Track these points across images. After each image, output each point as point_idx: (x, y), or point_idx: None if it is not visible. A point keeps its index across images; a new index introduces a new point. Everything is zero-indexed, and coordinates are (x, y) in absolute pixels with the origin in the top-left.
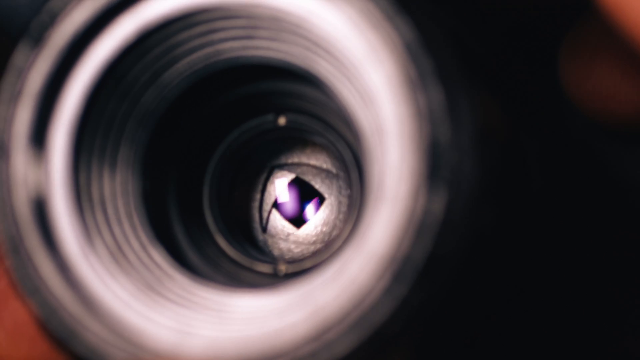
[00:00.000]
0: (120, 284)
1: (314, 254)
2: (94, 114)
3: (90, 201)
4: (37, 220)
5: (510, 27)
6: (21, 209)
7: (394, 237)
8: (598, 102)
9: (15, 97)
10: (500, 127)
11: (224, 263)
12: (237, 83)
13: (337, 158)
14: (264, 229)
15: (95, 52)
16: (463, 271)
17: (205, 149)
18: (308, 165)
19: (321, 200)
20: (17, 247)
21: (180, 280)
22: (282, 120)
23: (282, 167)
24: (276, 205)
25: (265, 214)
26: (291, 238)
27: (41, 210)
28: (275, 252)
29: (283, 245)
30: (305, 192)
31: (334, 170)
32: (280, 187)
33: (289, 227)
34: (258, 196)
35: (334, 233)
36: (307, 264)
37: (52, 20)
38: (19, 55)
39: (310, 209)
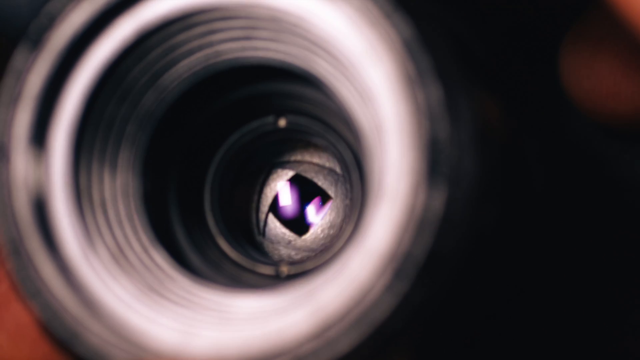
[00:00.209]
0: (121, 286)
1: (316, 255)
2: (94, 116)
3: (91, 203)
4: (38, 223)
5: (510, 27)
6: (22, 211)
7: (394, 234)
8: (598, 101)
9: (14, 100)
10: (501, 124)
11: (226, 265)
12: (237, 84)
13: (338, 159)
14: (262, 233)
15: (94, 54)
16: (464, 269)
17: (206, 151)
18: (311, 163)
19: (325, 199)
20: (18, 249)
21: (181, 282)
22: (282, 122)
23: (284, 167)
24: (278, 208)
25: (265, 216)
26: (297, 243)
27: (42, 212)
28: (276, 256)
29: (284, 251)
30: (309, 192)
31: (337, 169)
32: (282, 190)
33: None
34: (259, 198)
35: (335, 233)
36: (309, 265)
37: (51, 22)
38: (18, 58)
39: (315, 210)
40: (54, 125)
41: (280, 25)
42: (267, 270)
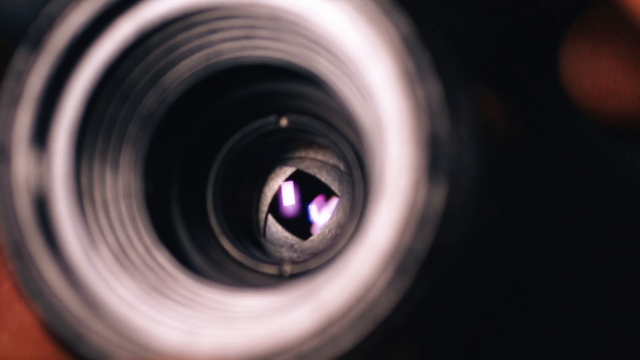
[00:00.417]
0: (124, 286)
1: (319, 253)
2: (95, 117)
3: (93, 203)
4: (40, 224)
5: (510, 27)
6: (23, 213)
7: (396, 230)
8: (598, 100)
9: (15, 101)
10: (501, 119)
11: (229, 265)
12: (238, 84)
13: (340, 158)
14: (264, 234)
15: (95, 55)
16: (466, 264)
17: (209, 151)
18: (315, 159)
19: (331, 198)
20: (20, 250)
21: (184, 282)
22: (284, 122)
23: (287, 167)
24: (280, 210)
25: (265, 216)
26: (304, 245)
27: (43, 213)
28: (279, 257)
29: (286, 254)
30: (312, 191)
31: (340, 166)
32: (285, 189)
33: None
34: (261, 198)
35: (337, 232)
36: (313, 264)
37: (50, 23)
38: (18, 59)
39: (320, 210)
40: (55, 126)
41: (280, 23)
42: (270, 269)
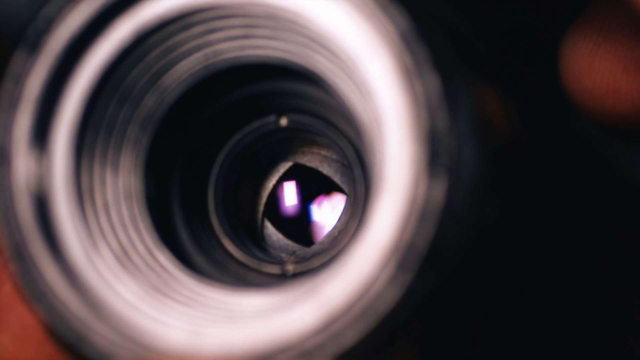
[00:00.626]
0: (126, 287)
1: (321, 252)
2: (95, 118)
3: (94, 205)
4: (41, 226)
5: (510, 27)
6: (24, 215)
7: (397, 225)
8: (597, 99)
9: (14, 103)
10: (501, 118)
11: (231, 265)
12: (237, 84)
13: (341, 156)
14: (262, 237)
15: (93, 56)
16: (467, 259)
17: (209, 152)
18: (319, 154)
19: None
20: (21, 252)
21: (186, 282)
22: (284, 121)
23: (288, 166)
24: (281, 213)
25: (262, 216)
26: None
27: (44, 215)
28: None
29: (283, 256)
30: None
31: (344, 162)
32: (286, 189)
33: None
34: (263, 197)
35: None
36: (315, 263)
37: (48, 25)
38: (17, 62)
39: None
40: (54, 128)
41: (278, 22)
42: (273, 269)
